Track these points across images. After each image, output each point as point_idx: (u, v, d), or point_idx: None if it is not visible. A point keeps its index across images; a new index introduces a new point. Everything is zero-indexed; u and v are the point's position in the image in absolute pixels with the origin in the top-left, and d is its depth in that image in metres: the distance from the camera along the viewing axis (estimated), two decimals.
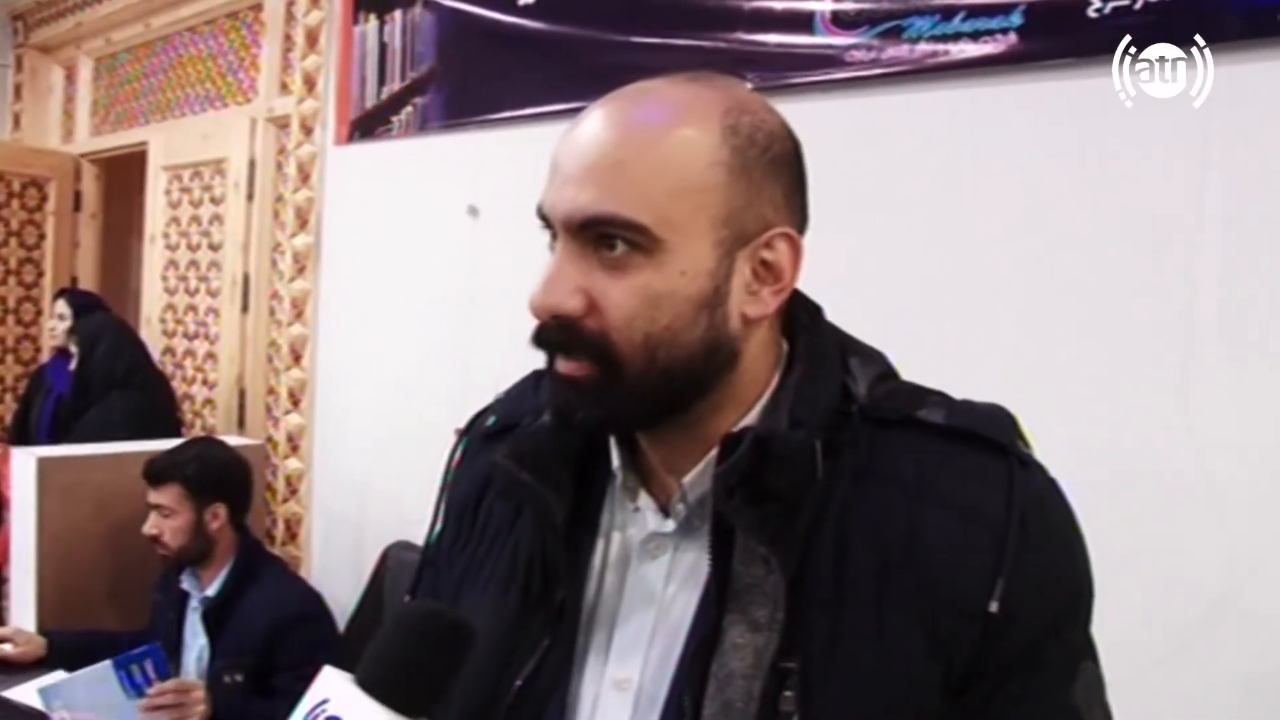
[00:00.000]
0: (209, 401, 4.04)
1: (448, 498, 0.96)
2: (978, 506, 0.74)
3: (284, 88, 3.68)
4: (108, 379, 3.62)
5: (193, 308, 4.15)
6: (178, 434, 3.60)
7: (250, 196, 3.80)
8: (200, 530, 2.51)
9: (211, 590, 2.51)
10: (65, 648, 2.57)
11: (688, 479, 0.80)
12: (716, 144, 0.75)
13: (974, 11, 1.77)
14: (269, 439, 3.63)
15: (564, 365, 0.76)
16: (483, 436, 0.95)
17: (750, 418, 0.80)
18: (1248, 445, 1.53)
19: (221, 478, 2.61)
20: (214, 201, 4.01)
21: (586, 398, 0.76)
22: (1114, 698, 0.77)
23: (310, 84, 3.39)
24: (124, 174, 4.87)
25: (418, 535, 2.80)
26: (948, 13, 1.80)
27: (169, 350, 4.21)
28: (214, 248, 4.01)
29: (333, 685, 0.72)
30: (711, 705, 0.73)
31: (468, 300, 2.80)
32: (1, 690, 2.39)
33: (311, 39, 3.38)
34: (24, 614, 2.86)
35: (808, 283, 0.84)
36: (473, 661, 0.80)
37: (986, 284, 1.80)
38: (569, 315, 0.74)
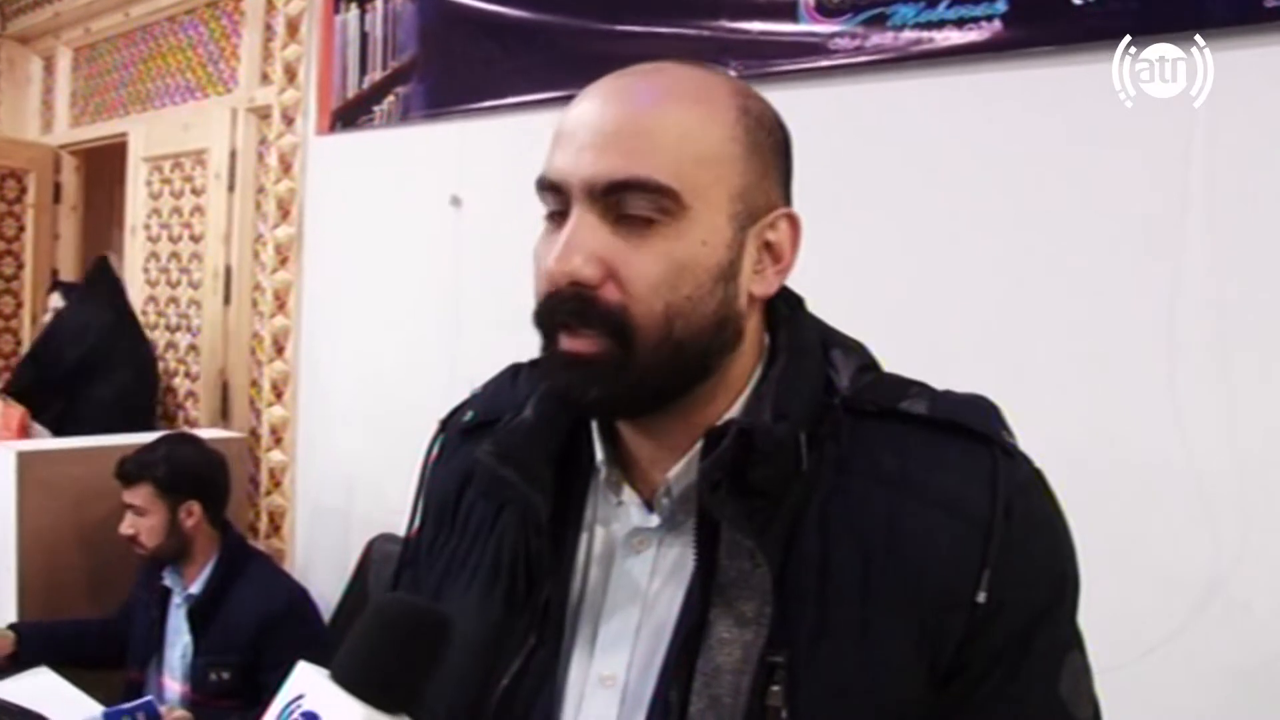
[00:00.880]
0: (191, 394, 4.02)
1: (426, 495, 0.95)
2: (962, 497, 0.74)
3: (265, 77, 3.66)
4: (107, 362, 3.62)
5: (174, 300, 4.12)
6: (153, 425, 3.59)
7: (231, 187, 3.78)
8: (175, 528, 2.48)
9: (195, 588, 2.49)
10: (34, 640, 2.54)
11: (672, 473, 0.79)
12: (733, 120, 0.76)
13: None
14: (252, 431, 3.62)
15: (571, 343, 0.74)
16: (460, 432, 0.94)
17: (734, 410, 0.79)
18: (1234, 436, 1.53)
19: (192, 475, 2.57)
20: (195, 193, 3.99)
21: (597, 375, 0.74)
22: (1101, 688, 0.77)
23: (291, 74, 3.36)
24: (104, 165, 4.84)
25: (402, 527, 2.80)
26: None
27: (151, 342, 4.19)
28: (195, 239, 3.99)
29: (308, 681, 0.71)
30: (698, 701, 0.72)
31: (451, 290, 2.79)
32: None
33: (292, 28, 3.36)
34: (4, 609, 2.84)
35: (792, 272, 0.83)
36: (458, 662, 0.79)
37: (972, 273, 1.79)
38: (586, 283, 0.72)
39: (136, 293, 4.30)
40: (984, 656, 0.72)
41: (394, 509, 2.84)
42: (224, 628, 2.43)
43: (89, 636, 2.67)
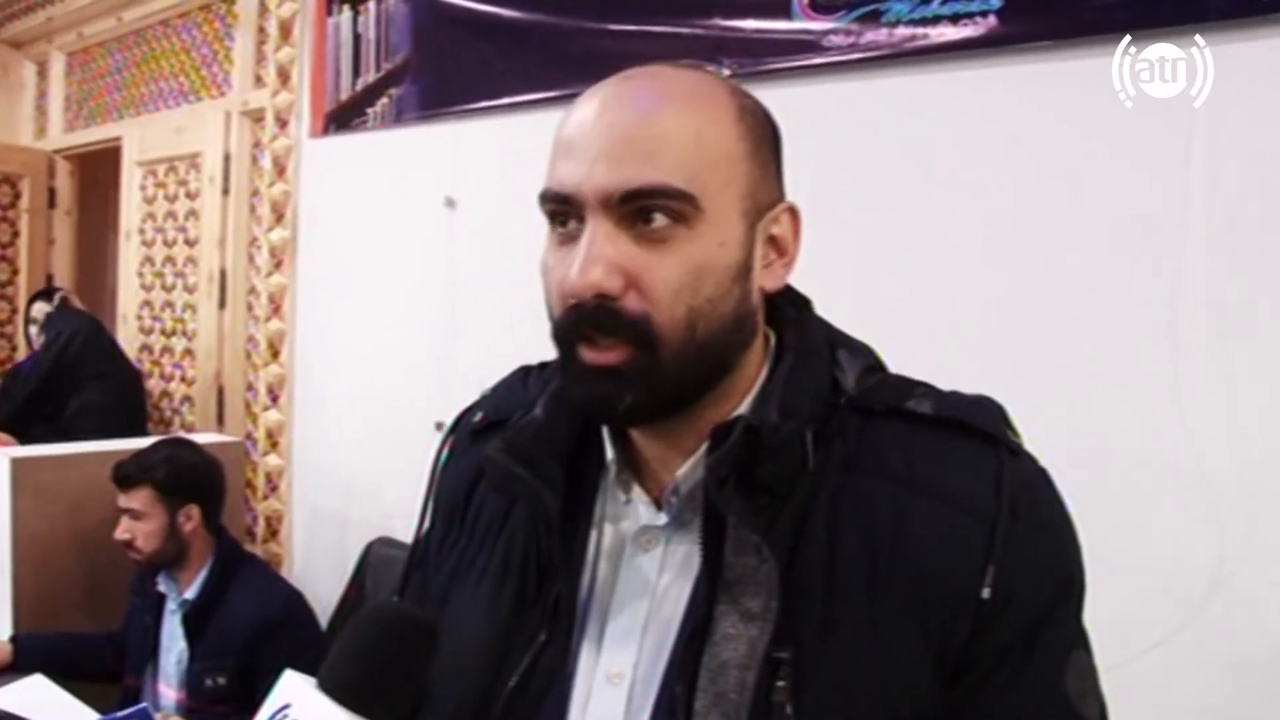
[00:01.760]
0: (187, 398, 4.01)
1: (436, 495, 0.95)
2: (967, 495, 0.74)
3: (258, 80, 3.66)
4: (87, 370, 3.61)
5: (170, 304, 4.12)
6: (144, 430, 3.58)
7: (226, 191, 3.78)
8: (173, 533, 2.47)
9: (190, 593, 2.48)
10: (34, 651, 2.54)
11: (681, 471, 0.79)
12: (735, 119, 0.76)
13: None
14: (248, 435, 3.61)
15: (596, 355, 0.74)
16: (470, 433, 0.94)
17: (742, 408, 0.79)
18: (1237, 430, 1.53)
19: (192, 478, 2.57)
20: (189, 196, 3.99)
21: (628, 384, 0.74)
22: (1107, 684, 0.77)
23: (284, 76, 3.35)
24: (98, 170, 4.84)
25: (400, 531, 2.81)
26: None
27: (146, 347, 4.18)
28: (190, 243, 3.99)
29: (295, 690, 0.71)
30: (704, 696, 0.72)
31: (446, 292, 2.78)
32: None
33: (285, 31, 3.35)
34: (0, 617, 2.83)
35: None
36: (467, 660, 0.81)
37: (970, 270, 1.79)
38: (610, 294, 0.72)
39: (131, 297, 4.30)
40: (989, 653, 0.72)
41: (391, 512, 2.84)
42: (219, 633, 2.42)
43: (89, 649, 2.66)
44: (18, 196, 4.78)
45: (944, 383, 0.82)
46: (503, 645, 0.81)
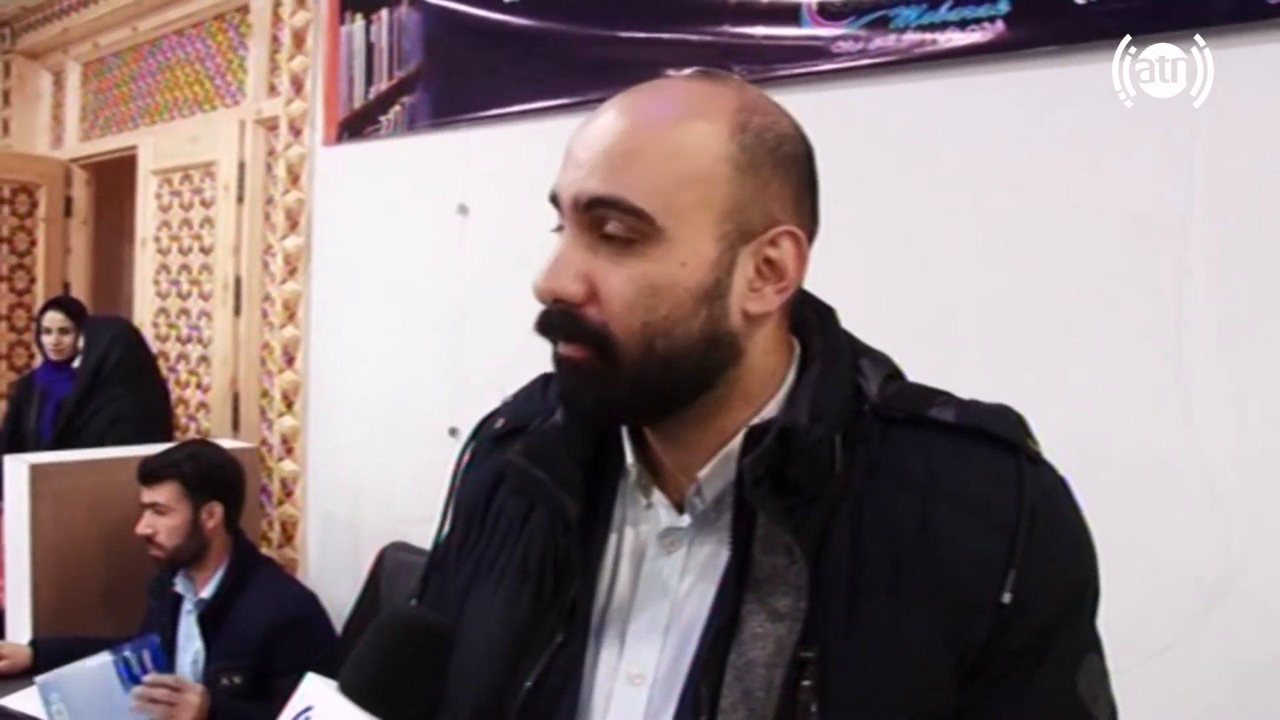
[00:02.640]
0: (203, 405, 4.04)
1: (456, 500, 0.97)
2: (989, 502, 0.75)
3: (272, 89, 3.68)
4: (117, 375, 3.63)
5: (185, 311, 4.14)
6: (171, 438, 3.60)
7: (240, 199, 3.80)
8: (196, 530, 2.51)
9: (206, 593, 2.51)
10: (53, 655, 2.56)
11: (703, 474, 0.80)
12: (725, 138, 0.75)
13: (961, 0, 1.76)
14: (263, 442, 3.63)
15: (565, 349, 0.77)
16: (492, 439, 0.95)
17: (766, 413, 0.80)
18: (1243, 434, 1.53)
19: (218, 477, 2.62)
20: (204, 204, 4.01)
21: (587, 383, 0.77)
22: (1115, 687, 0.78)
23: (298, 85, 3.38)
24: (114, 179, 4.87)
25: (413, 536, 2.83)
26: (935, 1, 1.79)
27: (162, 354, 4.21)
28: (205, 251, 4.01)
29: (316, 693, 0.72)
30: (730, 695, 0.74)
31: (459, 299, 2.80)
32: None
33: (298, 40, 3.37)
34: (20, 621, 2.86)
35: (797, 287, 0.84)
36: (484, 661, 0.82)
37: (977, 273, 1.79)
38: (570, 300, 0.75)
39: (147, 305, 4.33)
40: (1005, 656, 0.73)
41: (404, 517, 2.85)
42: (234, 632, 2.44)
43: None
44: (34, 205, 4.82)
45: (948, 386, 0.83)
46: (519, 647, 0.82)
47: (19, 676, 2.51)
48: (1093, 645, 0.78)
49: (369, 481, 3.15)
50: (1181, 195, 1.57)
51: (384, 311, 3.10)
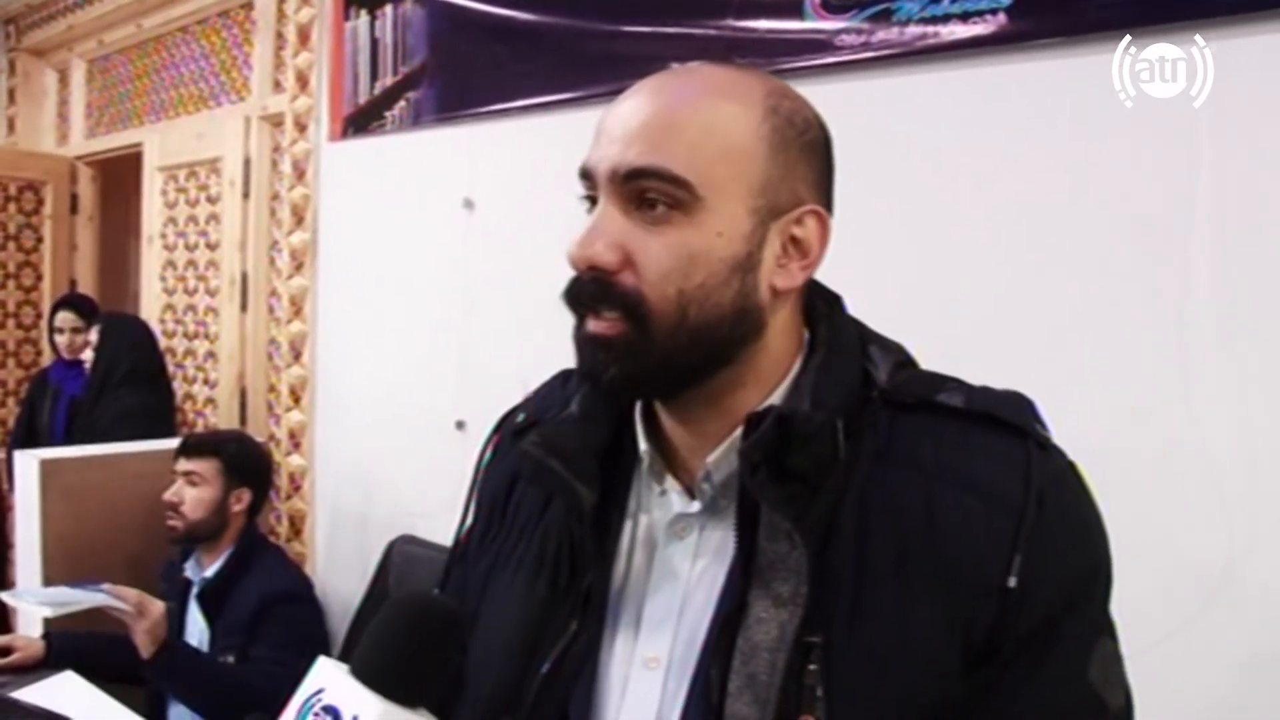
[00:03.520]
0: (210, 400, 4.05)
1: (479, 493, 0.99)
2: (996, 486, 0.75)
3: (277, 85, 3.69)
4: (128, 374, 3.65)
5: (192, 307, 4.16)
6: (177, 435, 3.62)
7: (246, 195, 3.81)
8: (221, 509, 2.59)
9: (209, 572, 2.55)
10: (65, 649, 2.58)
11: (712, 459, 0.81)
12: (759, 119, 0.78)
13: None
14: (271, 436, 3.64)
15: (594, 324, 0.78)
16: (513, 433, 0.97)
17: (773, 399, 0.82)
18: (1246, 423, 1.53)
19: (255, 467, 2.74)
20: (210, 201, 4.02)
21: (616, 355, 0.77)
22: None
23: (303, 81, 3.39)
24: (120, 175, 4.87)
25: (421, 529, 2.84)
26: None
27: (169, 350, 4.22)
28: (211, 247, 4.02)
29: (328, 675, 0.73)
30: (737, 678, 0.75)
31: (465, 293, 2.81)
32: (10, 691, 2.40)
33: (303, 36, 3.38)
34: (34, 615, 2.87)
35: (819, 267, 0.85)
36: (502, 648, 0.84)
37: (980, 266, 1.80)
38: (605, 268, 0.76)
39: (153, 301, 4.34)
40: (1013, 641, 0.73)
41: (412, 511, 2.87)
42: (232, 611, 2.49)
43: (120, 647, 2.70)
44: (40, 203, 4.82)
45: (955, 373, 0.84)
46: (536, 634, 0.83)
47: (33, 669, 2.53)
48: (1105, 630, 0.78)
49: (377, 475, 3.16)
50: (1185, 189, 1.57)
51: (390, 306, 3.11)
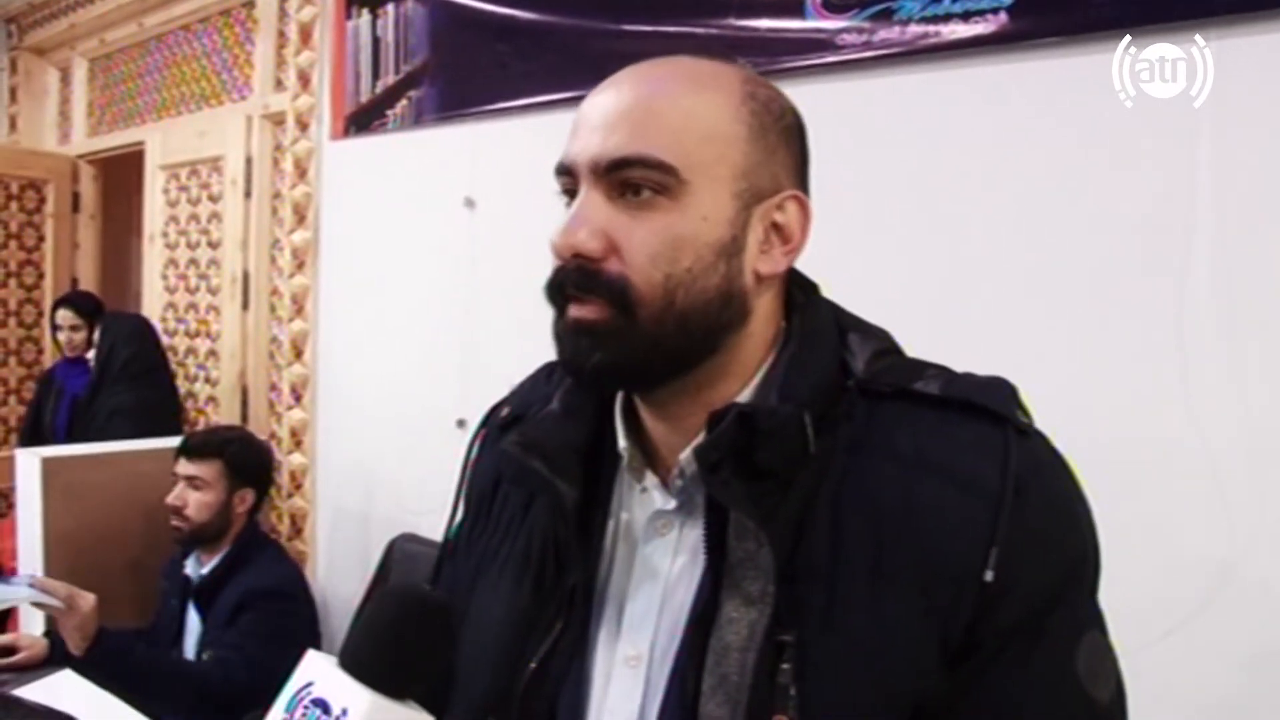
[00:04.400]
0: (212, 399, 4.05)
1: (467, 489, 0.98)
2: (973, 475, 0.74)
3: (279, 84, 3.69)
4: (122, 370, 3.66)
5: (193, 306, 4.16)
6: (180, 432, 3.62)
7: (248, 193, 3.81)
8: (225, 510, 2.58)
9: (205, 570, 2.54)
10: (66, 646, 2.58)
11: (684, 455, 0.80)
12: (738, 104, 0.78)
13: None
14: (272, 435, 3.64)
15: (577, 310, 0.77)
16: (499, 428, 0.96)
17: (746, 394, 0.81)
18: (1246, 419, 1.53)
19: (257, 465, 2.73)
20: (212, 199, 4.02)
21: (600, 341, 0.76)
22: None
23: (305, 80, 3.39)
24: (121, 174, 4.88)
25: (422, 527, 2.84)
26: None
27: (171, 349, 4.22)
28: (213, 245, 4.02)
29: (317, 668, 0.73)
30: (710, 678, 0.74)
31: (466, 291, 2.81)
32: (13, 689, 2.40)
33: (305, 35, 3.38)
34: (35, 613, 2.87)
35: (802, 266, 0.85)
36: (489, 647, 0.83)
37: (982, 264, 1.80)
38: (589, 256, 0.76)
39: (155, 299, 4.34)
40: (996, 635, 0.72)
41: (414, 509, 2.87)
42: (220, 608, 2.48)
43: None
44: (42, 201, 4.82)
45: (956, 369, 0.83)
46: (523, 632, 0.83)
47: (36, 667, 2.53)
48: (1093, 622, 0.77)
49: (378, 474, 3.16)
50: (1185, 188, 1.57)
51: (392, 305, 3.11)
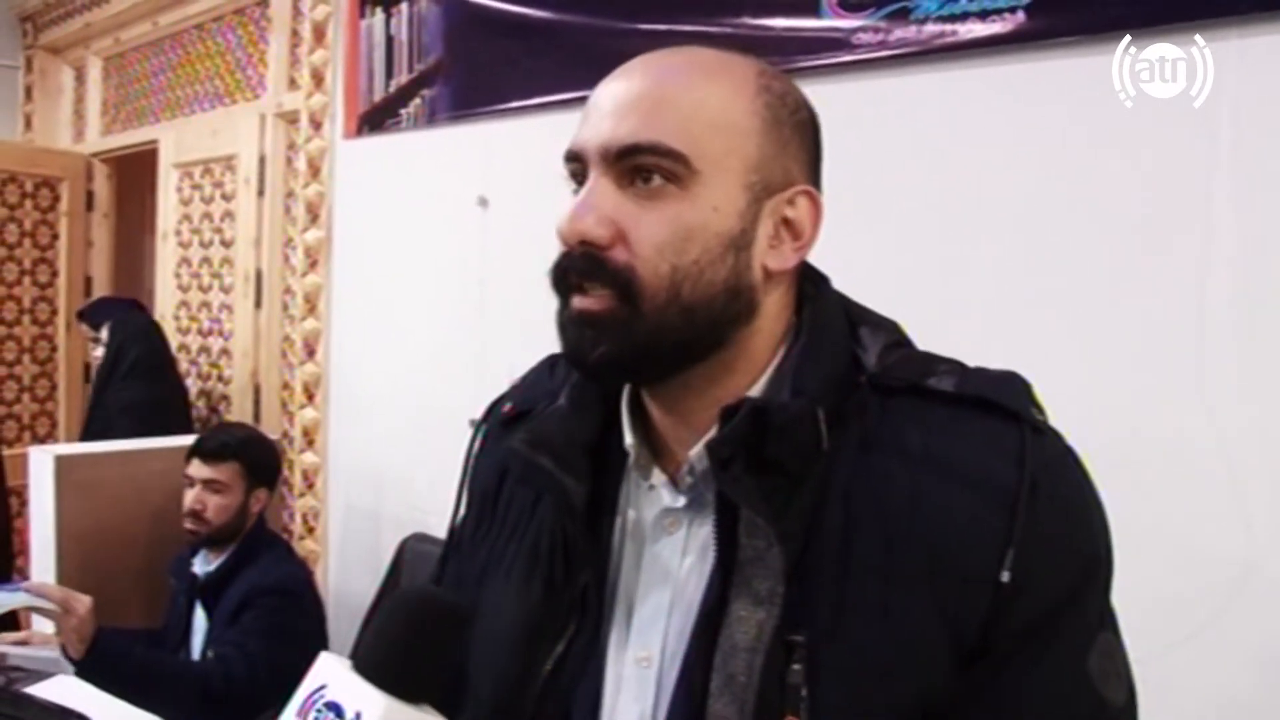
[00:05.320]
0: (224, 397, 4.06)
1: (469, 485, 0.97)
2: (987, 474, 0.73)
3: (292, 83, 3.69)
4: (132, 368, 3.67)
5: (206, 304, 4.17)
6: (190, 430, 3.63)
7: (261, 192, 3.82)
8: (242, 511, 2.58)
9: (212, 567, 2.54)
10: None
11: (694, 451, 0.79)
12: (752, 95, 0.77)
13: None
14: (285, 433, 3.65)
15: (581, 301, 0.76)
16: (501, 423, 0.95)
17: (756, 389, 0.79)
18: (1264, 418, 1.52)
19: (271, 465, 2.72)
20: (225, 198, 4.03)
21: (604, 332, 0.75)
22: (1137, 674, 0.76)
23: (318, 79, 3.39)
24: (135, 172, 4.89)
25: (435, 527, 2.83)
26: None
27: (183, 347, 4.24)
28: (226, 244, 4.03)
29: (330, 671, 0.72)
30: (718, 677, 0.73)
31: (479, 290, 2.80)
32: (24, 688, 2.40)
33: (319, 34, 3.38)
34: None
35: (816, 264, 0.84)
36: (500, 649, 0.82)
37: (999, 263, 1.79)
38: (595, 243, 0.74)
39: (168, 298, 4.36)
40: (1009, 637, 0.71)
41: (426, 508, 2.86)
42: (225, 605, 2.47)
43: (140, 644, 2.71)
44: (56, 200, 4.84)
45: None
46: (535, 634, 0.82)
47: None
48: (1105, 622, 0.75)
49: (390, 473, 3.16)
50: (1203, 184, 1.56)
51: (405, 303, 3.11)
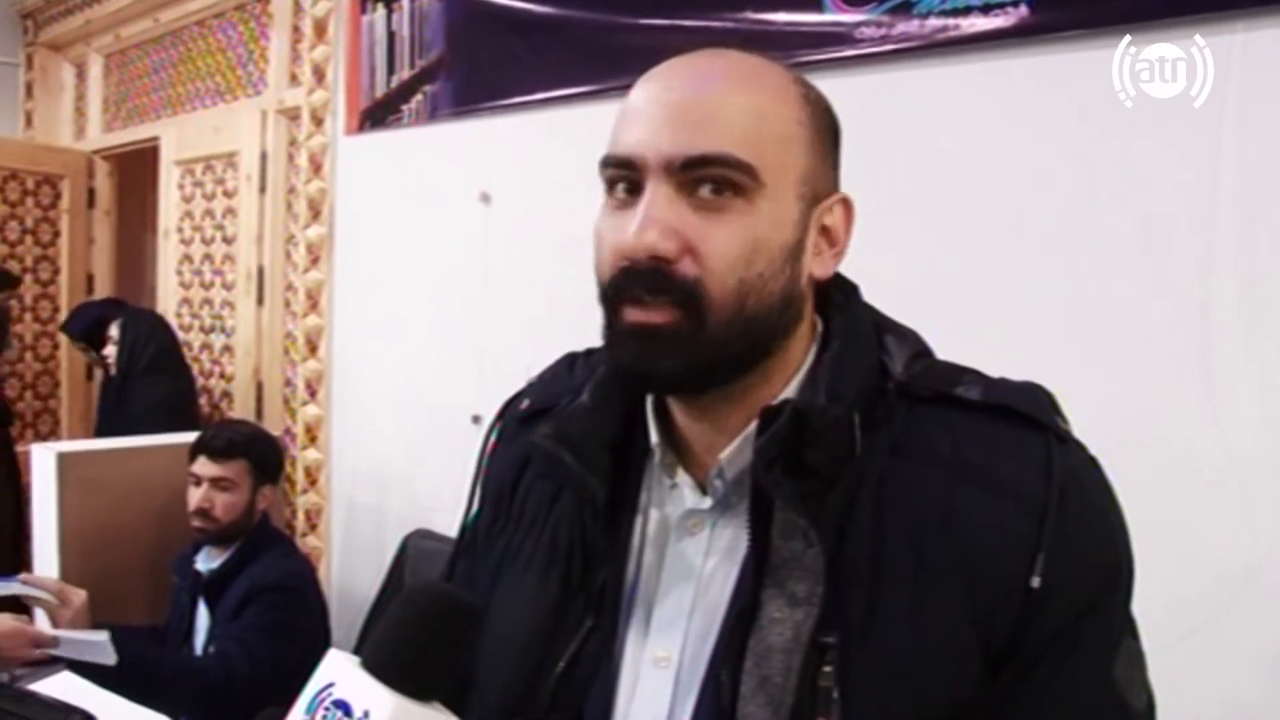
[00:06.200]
0: (226, 394, 4.06)
1: (484, 481, 0.96)
2: (1015, 482, 0.74)
3: (293, 79, 3.69)
4: (151, 364, 3.67)
5: (208, 301, 4.17)
6: (198, 427, 3.63)
7: (263, 189, 3.82)
8: (250, 508, 2.58)
9: (215, 564, 2.54)
10: None
11: (725, 454, 0.79)
12: (799, 104, 0.78)
13: None
14: (287, 430, 3.65)
15: (641, 314, 0.74)
16: (518, 420, 0.95)
17: (787, 392, 0.80)
18: (1269, 422, 1.52)
19: (276, 462, 2.73)
20: (226, 195, 4.03)
21: (669, 347, 0.74)
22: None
23: (320, 75, 3.38)
24: (137, 169, 4.89)
25: (437, 524, 2.84)
26: None
27: (186, 344, 4.23)
28: (228, 241, 4.03)
29: (339, 668, 0.72)
30: (749, 680, 0.73)
31: (482, 287, 2.80)
32: (28, 684, 2.40)
33: (320, 29, 3.37)
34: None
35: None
36: (514, 645, 0.82)
37: (1002, 261, 1.78)
38: (664, 257, 0.73)
39: (170, 295, 4.36)
40: (1036, 641, 0.72)
41: (428, 505, 2.86)
42: (227, 602, 2.47)
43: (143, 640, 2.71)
44: (58, 197, 4.84)
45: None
46: (549, 631, 0.82)
47: (49, 662, 2.53)
48: (1128, 629, 0.76)
49: (393, 469, 3.16)
50: (1208, 183, 1.56)
51: (407, 300, 3.11)
